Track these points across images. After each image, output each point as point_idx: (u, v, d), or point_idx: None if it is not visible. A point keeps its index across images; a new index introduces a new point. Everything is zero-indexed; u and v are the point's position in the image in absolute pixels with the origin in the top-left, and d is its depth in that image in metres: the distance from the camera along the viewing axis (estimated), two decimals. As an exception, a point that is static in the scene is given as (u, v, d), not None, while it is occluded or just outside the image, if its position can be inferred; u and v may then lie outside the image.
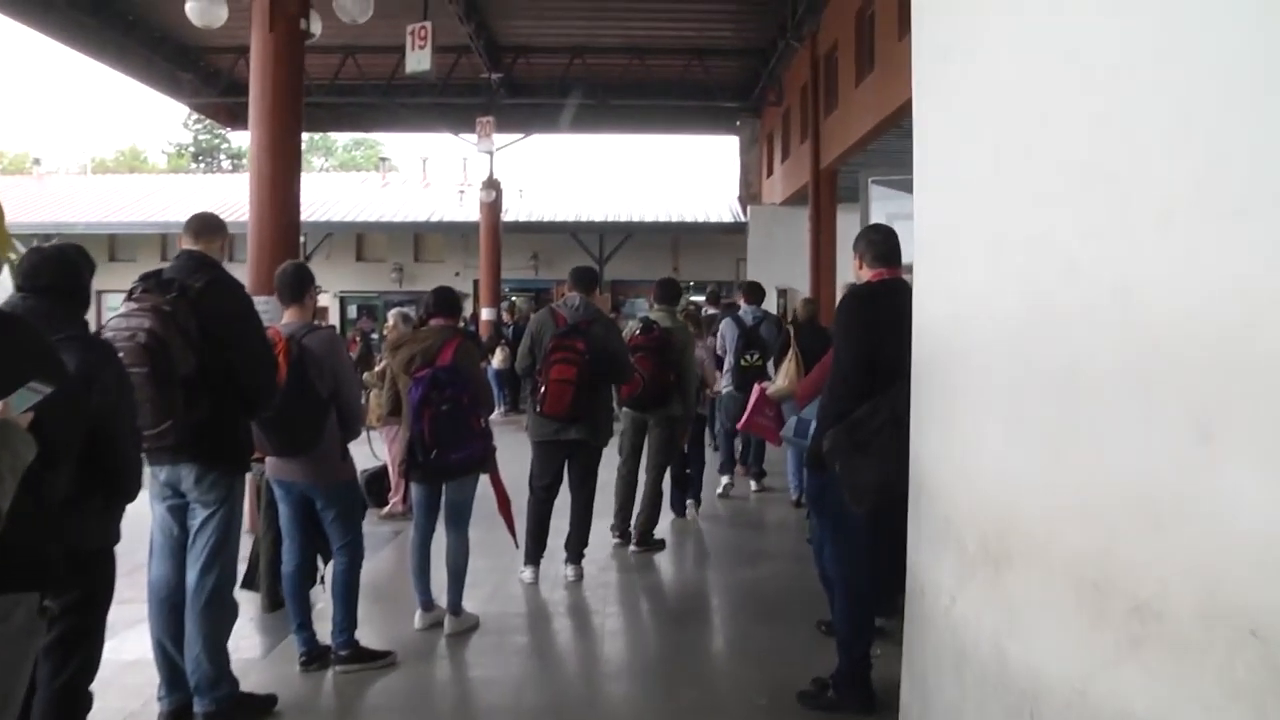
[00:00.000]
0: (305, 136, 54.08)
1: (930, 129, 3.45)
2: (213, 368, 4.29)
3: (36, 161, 40.58)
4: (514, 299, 29.25)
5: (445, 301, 6.13)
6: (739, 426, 7.65)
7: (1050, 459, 2.40)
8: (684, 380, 7.95)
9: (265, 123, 8.81)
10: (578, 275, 7.23)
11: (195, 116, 56.85)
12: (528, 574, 7.07)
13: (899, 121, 14.15)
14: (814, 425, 4.79)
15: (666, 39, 20.99)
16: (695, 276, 29.35)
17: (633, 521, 8.08)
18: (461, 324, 6.75)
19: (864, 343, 4.31)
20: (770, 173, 25.36)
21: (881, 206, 15.16)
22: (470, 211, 24.45)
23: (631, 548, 8.00)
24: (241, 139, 58.15)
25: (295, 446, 4.97)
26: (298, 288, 5.29)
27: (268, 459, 5.21)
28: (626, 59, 21.42)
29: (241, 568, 6.16)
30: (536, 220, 28.02)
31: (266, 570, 6.09)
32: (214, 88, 22.42)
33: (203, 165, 56.11)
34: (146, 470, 4.28)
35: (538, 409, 6.85)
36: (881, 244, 4.66)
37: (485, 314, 22.67)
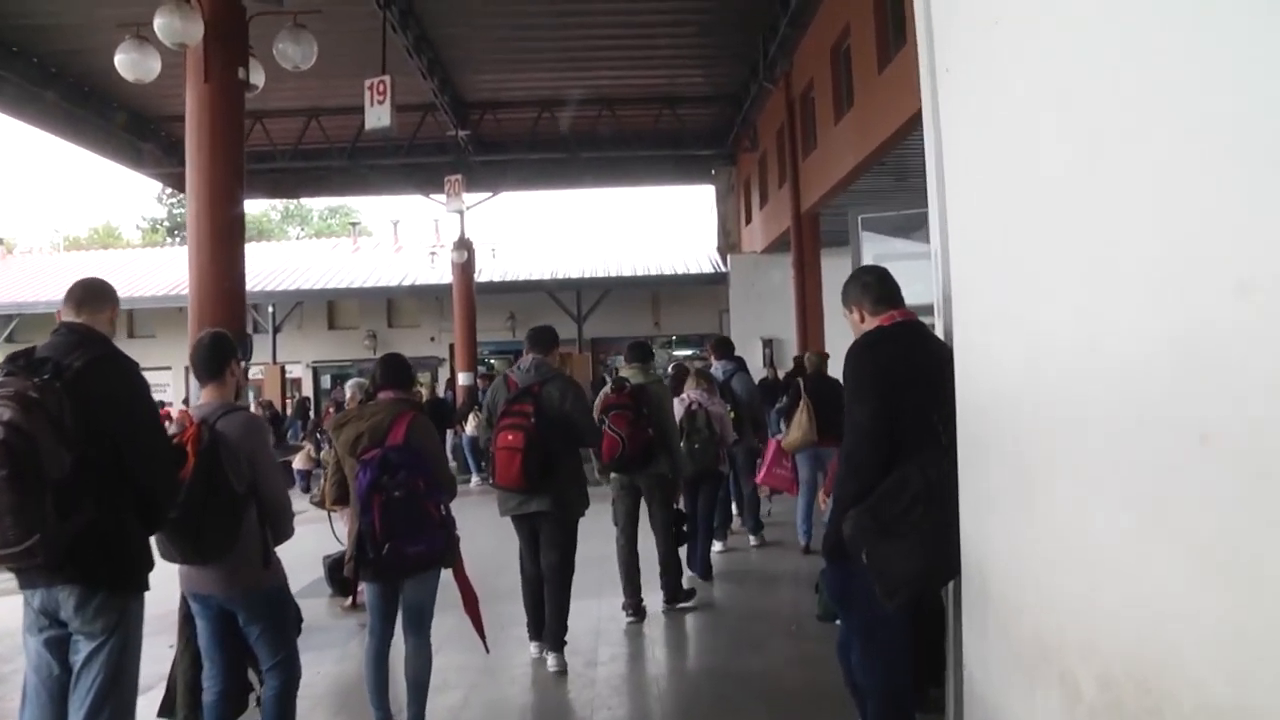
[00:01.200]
0: (278, 205, 53.86)
1: (973, 130, 2.71)
2: (96, 465, 3.52)
3: (1, 242, 39.76)
4: (492, 362, 28.54)
5: (394, 371, 5.43)
6: (759, 480, 6.97)
7: (1230, 558, 1.61)
8: (665, 436, 7.73)
9: (203, 180, 8.06)
10: (531, 335, 6.83)
11: (169, 190, 56.59)
12: (533, 649, 6.77)
13: (882, 158, 13.61)
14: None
15: (636, 88, 20.62)
16: (677, 330, 28.74)
17: (659, 583, 7.87)
18: (422, 395, 5.95)
19: (882, 399, 3.58)
20: (749, 220, 24.83)
21: (870, 248, 14.61)
22: (443, 274, 23.71)
23: (662, 607, 7.87)
24: (213, 211, 57.94)
25: (204, 554, 4.21)
26: (215, 360, 4.57)
27: (179, 568, 4.44)
28: (596, 110, 21.03)
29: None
30: (511, 280, 27.29)
31: (186, 695, 5.17)
32: (175, 157, 21.84)
33: (178, 239, 55.39)
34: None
35: (492, 479, 6.53)
36: (877, 285, 3.99)
37: (462, 379, 21.93)
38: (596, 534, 7.40)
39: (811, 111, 17.08)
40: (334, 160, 22.40)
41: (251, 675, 4.75)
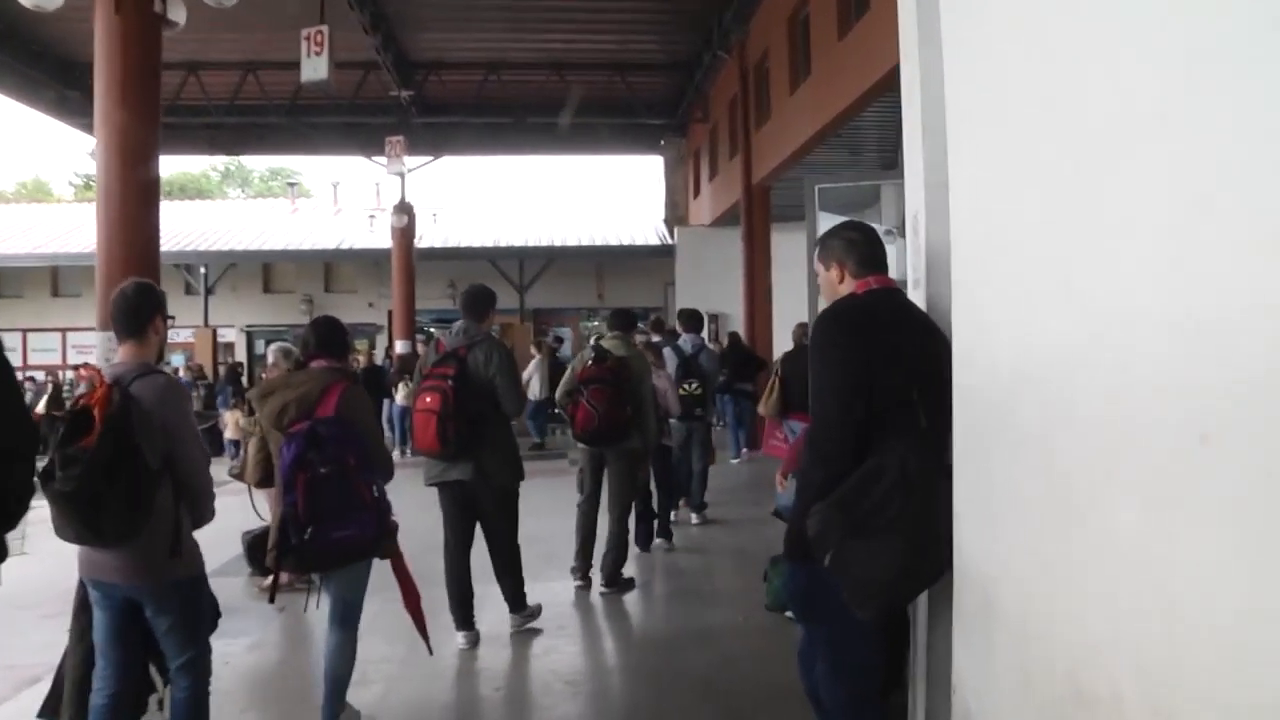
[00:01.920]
0: (218, 165, 53.19)
1: (984, 93, 2.29)
2: None
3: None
4: (431, 330, 27.87)
5: (327, 336, 4.94)
6: (764, 451, 7.16)
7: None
8: (641, 412, 7.59)
9: (113, 125, 7.43)
10: (464, 299, 6.57)
11: (100, 146, 54.71)
12: (460, 639, 6.30)
13: (840, 129, 13.21)
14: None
15: (587, 52, 20.08)
16: (622, 302, 28.06)
17: (600, 562, 7.61)
18: (359, 362, 5.40)
19: (855, 376, 3.11)
20: (698, 193, 24.43)
21: (825, 223, 14.20)
22: (382, 238, 23.02)
23: (599, 588, 7.57)
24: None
25: (104, 535, 3.66)
26: (137, 314, 4.00)
27: (79, 551, 3.91)
28: (545, 75, 20.47)
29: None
30: (453, 246, 26.62)
31: (73, 694, 4.49)
32: (103, 108, 20.91)
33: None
34: None
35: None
36: (865, 244, 3.52)
37: (399, 346, 21.34)
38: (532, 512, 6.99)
39: (766, 81, 16.65)
40: (272, 117, 21.66)
41: (155, 674, 4.25)
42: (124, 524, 3.64)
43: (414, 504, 6.52)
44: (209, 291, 25.84)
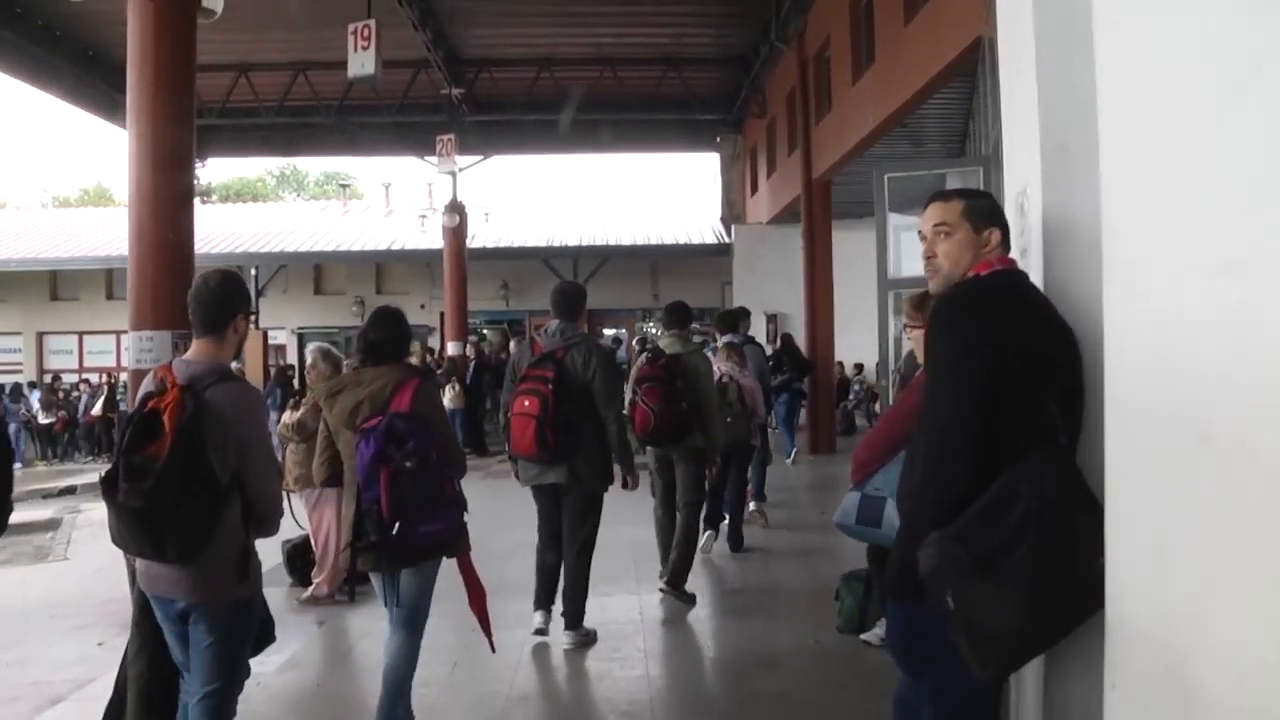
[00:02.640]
0: (274, 169, 53.44)
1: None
2: None
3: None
4: (484, 331, 27.56)
5: (393, 331, 4.73)
6: None
7: None
8: (702, 409, 7.40)
9: (145, 115, 7.10)
10: (555, 297, 6.38)
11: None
12: (537, 619, 6.35)
13: (904, 118, 12.65)
14: (889, 512, 3.09)
15: (639, 47, 19.79)
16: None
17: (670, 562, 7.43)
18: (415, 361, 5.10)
19: (985, 377, 2.54)
20: (755, 190, 23.87)
21: (894, 217, 13.72)
22: (434, 239, 22.68)
23: (659, 585, 7.36)
24: (211, 172, 56.94)
25: (167, 552, 3.42)
26: (221, 309, 3.65)
27: (139, 563, 3.67)
28: (597, 70, 20.14)
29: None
30: (505, 246, 26.24)
31: (139, 707, 4.18)
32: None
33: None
34: None
35: (508, 448, 6.26)
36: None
37: (451, 348, 20.97)
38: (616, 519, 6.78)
39: (827, 72, 16.07)
40: (322, 117, 21.50)
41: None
42: (189, 542, 3.39)
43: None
44: (259, 293, 25.61)
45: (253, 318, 4.15)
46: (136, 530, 3.39)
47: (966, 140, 15.31)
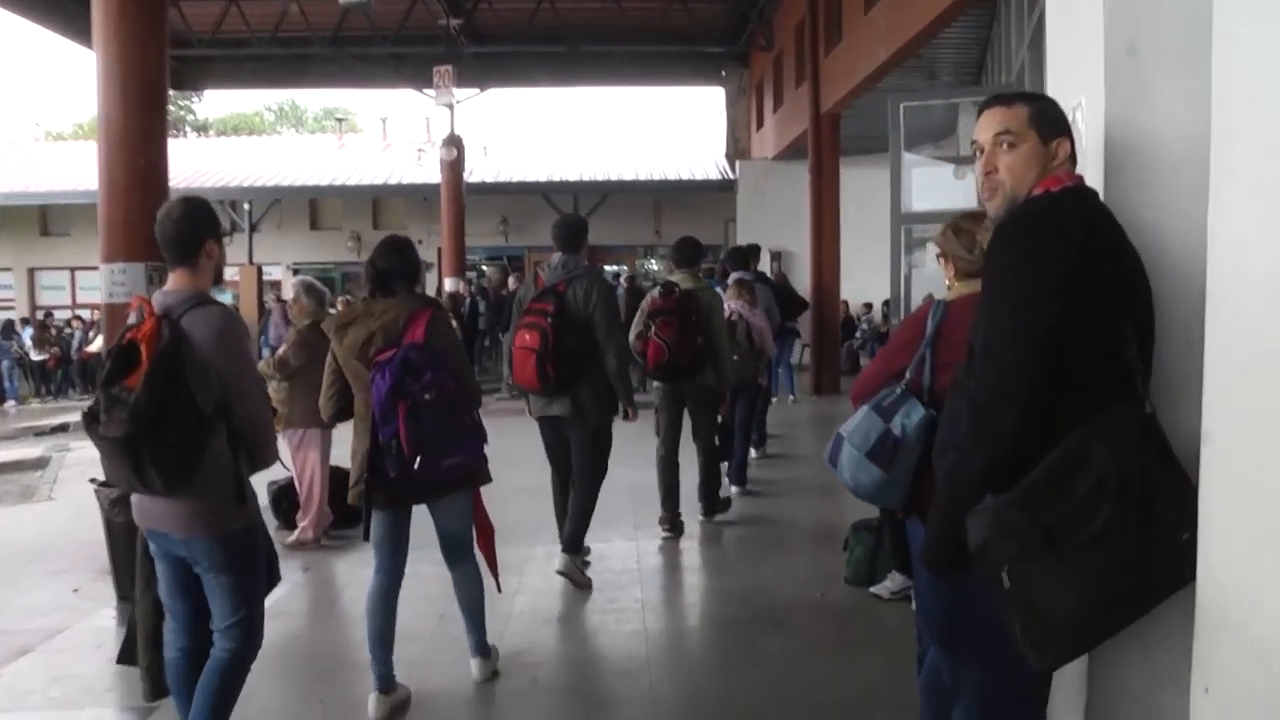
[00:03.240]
0: (272, 105, 52.44)
1: None
2: None
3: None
4: (484, 267, 27.13)
5: (404, 261, 4.58)
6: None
7: None
8: (714, 346, 7.41)
9: (112, 32, 6.69)
10: (557, 230, 6.32)
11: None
12: (558, 562, 6.23)
13: (918, 49, 12.15)
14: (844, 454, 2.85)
15: (645, -24, 18.99)
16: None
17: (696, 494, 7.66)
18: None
19: (1052, 311, 2.16)
20: (760, 125, 23.34)
21: (968, 120, 13.26)
22: (431, 173, 22.10)
23: (700, 518, 7.66)
24: (209, 108, 56.12)
25: (152, 483, 3.32)
26: (187, 236, 3.54)
27: (133, 498, 3.61)
28: (600, 1, 19.33)
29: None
30: (504, 181, 25.65)
31: (147, 647, 4.12)
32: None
33: (170, 139, 53.42)
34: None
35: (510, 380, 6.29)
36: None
37: (448, 284, 20.56)
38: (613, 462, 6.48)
39: (838, 2, 15.50)
40: (317, 48, 20.90)
41: None
42: (173, 472, 3.29)
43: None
44: (254, 228, 25.14)
45: (226, 240, 3.97)
46: (120, 461, 3.33)
47: (982, 72, 14.83)
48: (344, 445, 7.70)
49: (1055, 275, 2.15)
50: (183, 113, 54.26)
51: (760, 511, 8.21)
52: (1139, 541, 1.95)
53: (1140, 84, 2.68)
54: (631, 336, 7.22)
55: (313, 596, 6.57)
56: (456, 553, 4.61)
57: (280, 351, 7.49)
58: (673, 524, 7.40)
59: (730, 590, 6.26)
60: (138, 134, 6.73)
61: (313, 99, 55.92)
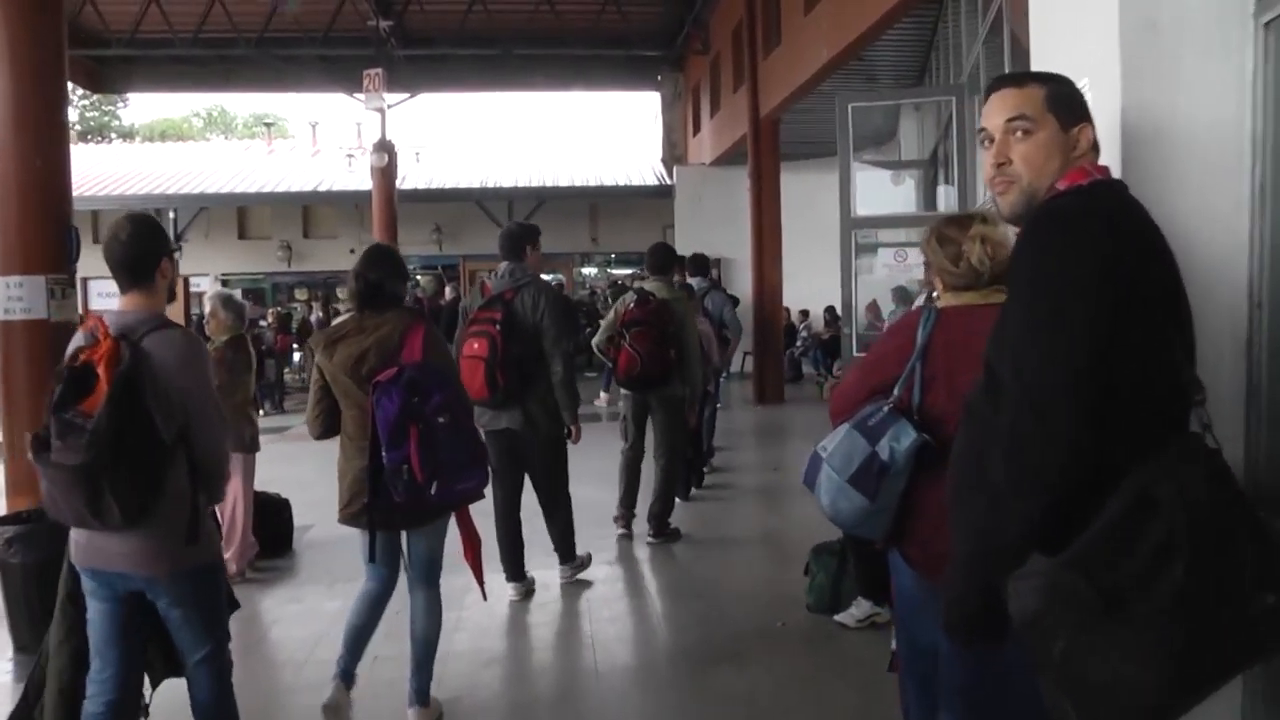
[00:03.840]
0: (200, 111, 51.82)
1: None
2: None
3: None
4: (418, 278, 26.54)
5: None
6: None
7: None
8: (685, 356, 7.36)
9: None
10: (502, 238, 6.35)
11: (82, 91, 52.59)
12: (511, 591, 6.23)
13: (861, 50, 11.91)
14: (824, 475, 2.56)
15: (579, -22, 18.66)
16: (617, 247, 26.97)
17: (646, 511, 7.49)
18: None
19: (1105, 319, 1.81)
20: (697, 130, 23.08)
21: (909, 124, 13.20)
22: (363, 180, 21.42)
23: (648, 538, 7.43)
24: (135, 114, 54.84)
25: (108, 518, 3.14)
26: (141, 257, 3.39)
27: (71, 534, 3.43)
28: (534, 3, 19.06)
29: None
30: (437, 188, 25.02)
31: (59, 704, 3.72)
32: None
33: (92, 145, 52.18)
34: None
35: None
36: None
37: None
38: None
39: (776, 4, 15.26)
40: (241, 50, 20.22)
41: (148, 686, 3.72)
42: (132, 505, 3.14)
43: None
44: (179, 238, 24.30)
45: (177, 255, 3.71)
46: (74, 492, 3.14)
47: (925, 75, 14.65)
48: (269, 467, 7.24)
49: (1095, 281, 1.80)
50: (107, 118, 52.98)
51: (711, 531, 7.87)
52: (1215, 607, 1.61)
53: (1160, 62, 2.37)
54: (599, 338, 7.52)
55: (237, 635, 6.07)
56: (427, 578, 4.46)
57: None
58: (627, 522, 7.50)
59: (685, 620, 5.87)
60: (32, 131, 6.20)
61: (242, 105, 54.89)
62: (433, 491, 4.02)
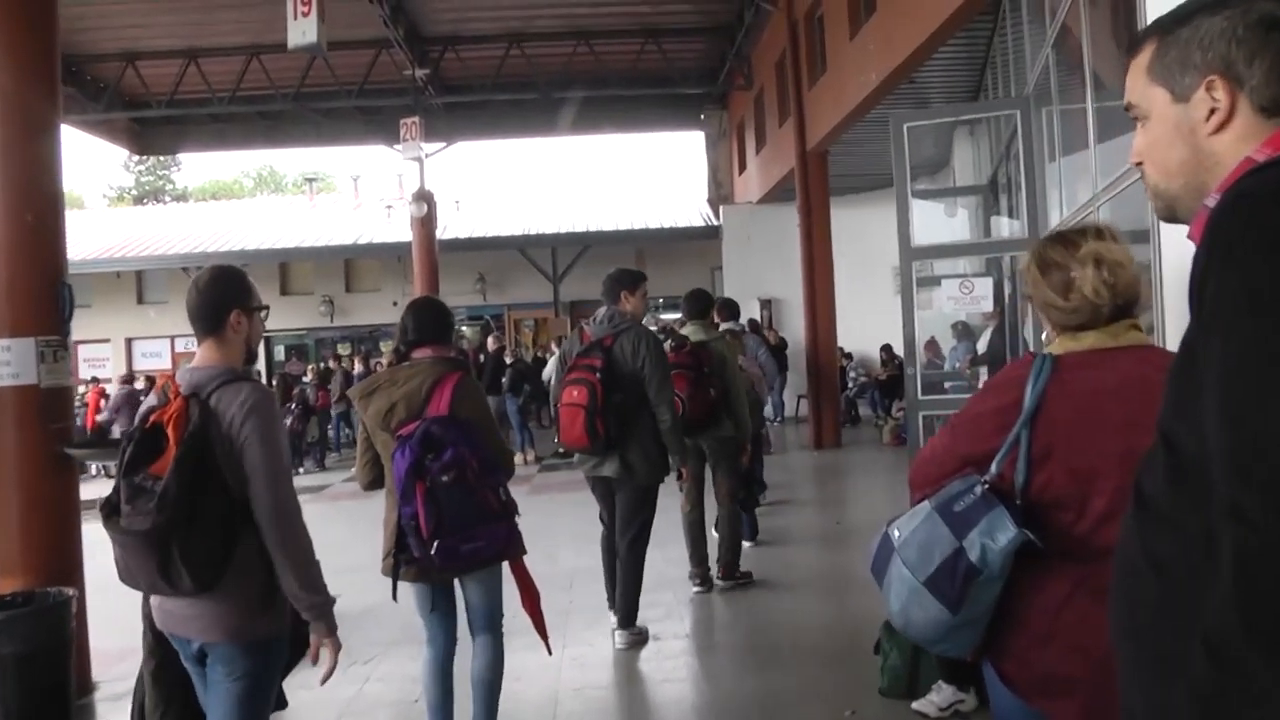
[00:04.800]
0: (250, 171, 52.29)
1: None
2: None
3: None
4: (463, 328, 26.10)
5: (431, 321, 4.41)
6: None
7: None
8: (731, 396, 7.26)
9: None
10: (607, 284, 6.27)
11: (136, 158, 53.46)
12: (617, 639, 6.19)
13: (912, 70, 11.26)
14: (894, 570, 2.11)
15: (616, 18, 18.47)
16: (665, 291, 26.25)
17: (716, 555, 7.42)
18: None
19: None
20: (743, 168, 22.51)
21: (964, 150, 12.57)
22: (404, 231, 21.04)
23: (718, 582, 7.35)
24: (188, 177, 55.51)
25: (179, 584, 3.02)
26: (212, 308, 3.31)
27: (153, 600, 3.32)
28: (571, 45, 18.81)
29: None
30: (479, 237, 24.67)
31: None
32: (98, 101, 19.47)
33: (141, 207, 53.01)
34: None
35: (557, 438, 6.27)
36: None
37: (422, 347, 19.44)
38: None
39: (820, 32, 14.70)
40: (279, 105, 20.05)
41: None
42: (204, 568, 3.03)
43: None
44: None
45: (262, 315, 3.49)
46: (144, 558, 3.03)
47: (981, 94, 13.91)
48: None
49: None
50: (161, 182, 53.78)
51: (768, 599, 7.12)
52: None
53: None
54: None
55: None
56: (485, 623, 4.37)
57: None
58: (702, 578, 7.26)
59: (741, 710, 5.14)
60: (22, 182, 5.75)
61: (290, 164, 55.44)
62: (433, 551, 3.92)
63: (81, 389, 23.31)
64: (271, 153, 51.56)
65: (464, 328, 26.19)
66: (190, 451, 3.00)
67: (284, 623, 3.30)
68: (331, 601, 3.24)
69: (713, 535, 7.43)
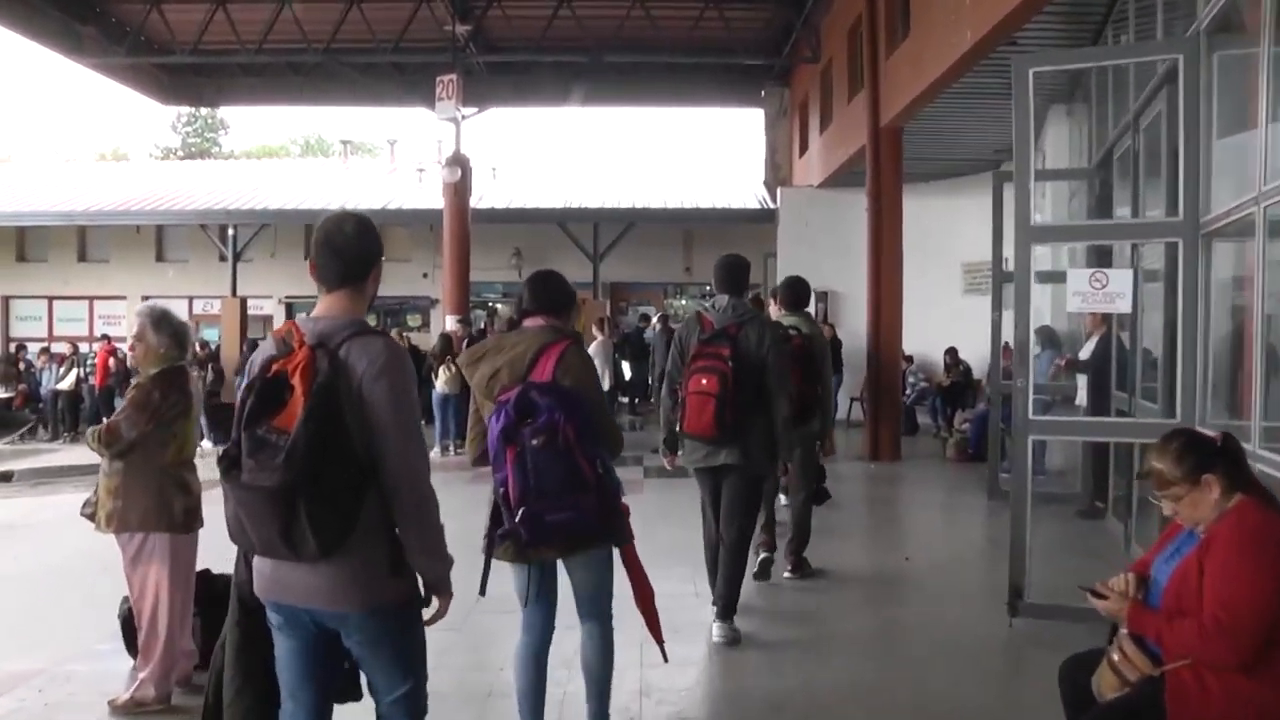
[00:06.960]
0: (298, 139, 51.26)
1: None
2: None
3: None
4: (497, 305, 24.64)
5: (547, 291, 4.34)
6: None
7: None
8: (826, 393, 7.53)
9: None
10: (720, 271, 6.22)
11: (184, 118, 52.63)
12: (715, 631, 6.04)
13: (1013, 32, 9.61)
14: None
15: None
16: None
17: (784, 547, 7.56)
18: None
19: None
20: (804, 149, 20.97)
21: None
22: (436, 198, 19.50)
23: (785, 574, 7.48)
24: (235, 141, 54.76)
25: (301, 547, 2.85)
26: (360, 257, 3.17)
27: (255, 562, 3.10)
28: (625, 7, 17.32)
29: None
30: (516, 208, 23.17)
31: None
32: (121, 44, 18.40)
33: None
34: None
35: (680, 427, 6.06)
36: None
37: (448, 323, 18.02)
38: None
39: (903, -7, 13.09)
40: (310, 58, 18.90)
41: None
42: (331, 531, 2.87)
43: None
44: (238, 256, 22.72)
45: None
46: (266, 518, 2.88)
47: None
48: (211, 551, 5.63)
49: None
50: (208, 144, 52.93)
51: (825, 652, 5.85)
52: None
53: None
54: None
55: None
56: (592, 609, 4.31)
57: (111, 419, 5.19)
58: (771, 546, 7.43)
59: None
60: None
61: (337, 129, 54.47)
62: (518, 519, 3.86)
63: (95, 346, 22.24)
64: (317, 119, 50.61)
65: (498, 305, 24.76)
66: (320, 404, 2.87)
67: (415, 586, 3.18)
68: (451, 564, 3.16)
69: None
